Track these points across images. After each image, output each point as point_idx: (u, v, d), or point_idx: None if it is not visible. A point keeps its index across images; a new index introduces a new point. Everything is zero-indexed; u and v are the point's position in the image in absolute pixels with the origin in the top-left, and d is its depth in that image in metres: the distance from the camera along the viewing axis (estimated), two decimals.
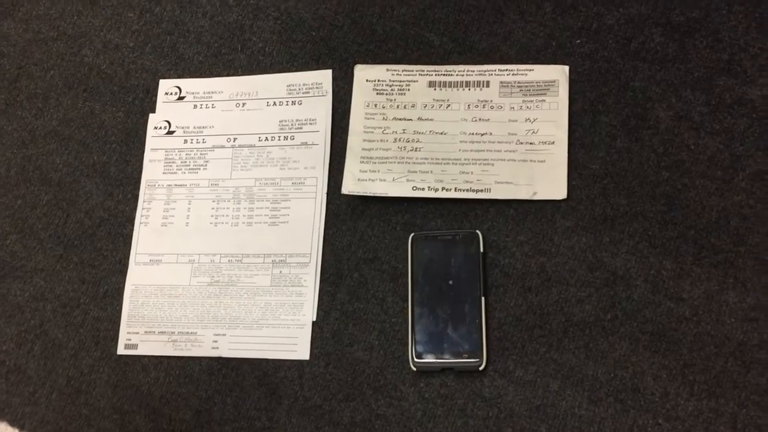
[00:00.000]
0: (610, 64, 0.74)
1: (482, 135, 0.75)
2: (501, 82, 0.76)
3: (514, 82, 0.76)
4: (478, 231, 0.71)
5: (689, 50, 0.73)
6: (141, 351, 0.75)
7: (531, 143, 0.73)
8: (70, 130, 0.83)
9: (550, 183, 0.72)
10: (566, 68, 0.75)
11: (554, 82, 0.75)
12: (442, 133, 0.75)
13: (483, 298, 0.69)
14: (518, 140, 0.74)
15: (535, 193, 0.72)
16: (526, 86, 0.75)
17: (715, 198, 0.69)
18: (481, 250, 0.71)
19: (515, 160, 0.73)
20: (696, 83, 0.72)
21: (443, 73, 0.77)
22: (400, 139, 0.76)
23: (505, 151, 0.74)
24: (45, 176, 0.82)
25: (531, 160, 0.73)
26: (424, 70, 0.78)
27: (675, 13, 0.74)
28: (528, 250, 0.71)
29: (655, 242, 0.69)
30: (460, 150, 0.74)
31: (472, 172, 0.73)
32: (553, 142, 0.73)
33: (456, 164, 0.74)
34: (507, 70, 0.76)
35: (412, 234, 0.72)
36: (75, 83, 0.84)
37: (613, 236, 0.69)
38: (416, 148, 0.75)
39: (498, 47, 0.77)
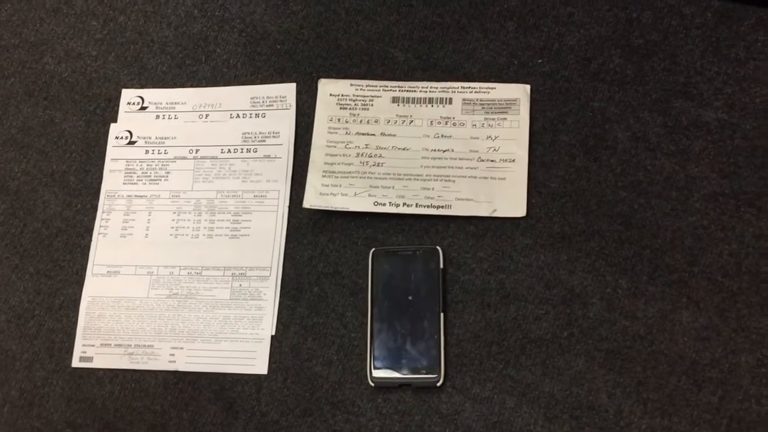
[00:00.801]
0: (571, 84, 0.75)
1: (444, 152, 0.75)
2: (464, 100, 0.76)
3: (477, 99, 0.76)
4: (438, 247, 0.71)
5: (647, 72, 0.74)
6: (96, 364, 0.74)
7: (492, 161, 0.74)
8: (30, 138, 0.82)
9: (510, 200, 0.72)
10: (528, 87, 0.76)
11: (516, 100, 0.76)
12: (404, 149, 0.76)
13: (442, 314, 0.69)
14: (479, 157, 0.74)
15: (495, 211, 0.72)
16: (488, 104, 0.76)
17: (671, 218, 0.70)
18: (441, 266, 0.71)
19: (476, 177, 0.74)
20: (653, 105, 0.73)
21: (407, 89, 0.78)
22: (362, 154, 0.76)
23: (466, 168, 0.74)
24: (2, 185, 0.81)
25: (492, 178, 0.74)
26: (387, 86, 0.78)
27: (634, 35, 0.76)
28: (487, 266, 0.71)
29: (612, 261, 0.69)
30: (422, 166, 0.75)
31: (433, 189, 0.74)
32: (513, 160, 0.74)
33: (418, 180, 0.74)
34: (470, 87, 0.77)
35: (373, 249, 0.72)
36: (35, 91, 0.83)
37: (571, 254, 0.70)
38: (378, 164, 0.75)
39: (461, 65, 0.78)
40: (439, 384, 0.68)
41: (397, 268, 0.72)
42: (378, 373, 0.69)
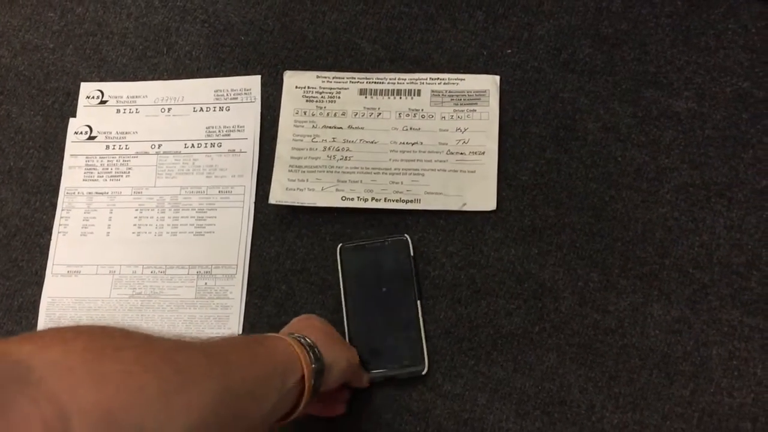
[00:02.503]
0: (540, 74, 0.74)
1: (413, 144, 0.74)
2: (432, 91, 0.75)
3: (446, 91, 0.75)
4: (406, 235, 0.70)
5: (617, 62, 0.73)
6: None
7: (461, 153, 0.73)
8: None
9: (480, 194, 0.71)
10: (497, 78, 0.75)
11: (485, 92, 0.74)
12: (372, 142, 0.74)
13: (418, 302, 0.68)
14: (449, 150, 0.73)
15: (464, 204, 0.71)
16: (458, 96, 0.75)
17: (641, 210, 0.69)
18: (411, 254, 0.69)
19: (445, 171, 0.72)
20: (623, 95, 0.72)
21: (374, 80, 0.76)
22: (329, 148, 0.74)
23: (435, 161, 0.73)
24: None
25: (461, 171, 0.72)
26: (354, 78, 0.76)
27: (604, 24, 0.75)
28: (458, 261, 0.70)
29: (583, 254, 0.69)
30: (390, 159, 0.73)
31: (402, 182, 0.72)
32: (483, 153, 0.73)
33: (386, 174, 0.73)
34: (438, 79, 0.75)
35: (341, 244, 0.71)
36: None
37: (542, 248, 0.69)
38: (346, 157, 0.74)
39: (430, 55, 0.76)
40: (424, 372, 0.67)
41: (368, 262, 0.70)
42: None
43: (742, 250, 0.67)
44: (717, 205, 0.69)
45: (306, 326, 0.62)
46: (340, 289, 0.70)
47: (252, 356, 0.52)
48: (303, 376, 0.53)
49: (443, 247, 0.71)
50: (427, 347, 0.67)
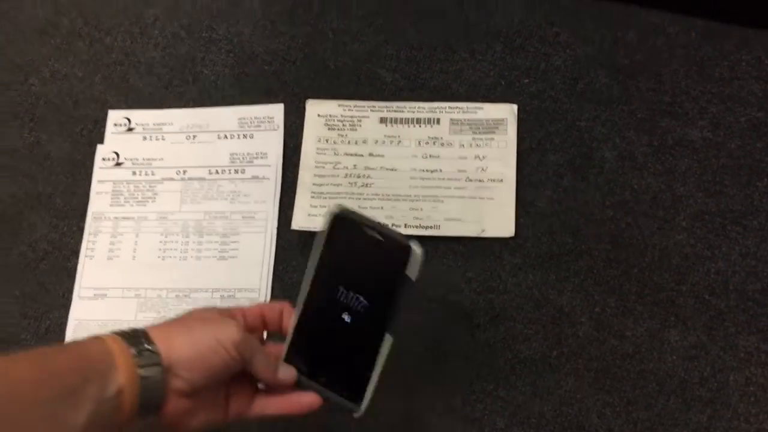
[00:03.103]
0: (558, 103, 0.76)
1: (432, 172, 0.75)
2: (451, 120, 0.77)
3: (464, 119, 0.77)
4: (412, 245, 0.54)
5: (633, 92, 0.75)
6: None
7: (480, 181, 0.74)
8: (15, 160, 0.81)
9: (499, 221, 0.73)
10: (515, 107, 0.76)
11: (503, 120, 0.76)
12: (392, 170, 0.76)
13: (387, 335, 0.55)
14: (468, 177, 0.75)
15: (483, 231, 0.72)
16: (476, 124, 0.76)
17: (658, 237, 0.70)
18: (409, 273, 0.54)
19: (464, 197, 0.74)
20: (639, 124, 0.74)
21: (394, 109, 0.78)
22: (351, 175, 0.76)
23: (454, 188, 0.74)
24: None
25: (480, 198, 0.74)
26: (375, 106, 0.78)
27: (620, 55, 0.76)
28: (476, 286, 0.71)
29: (600, 280, 0.70)
30: (410, 186, 0.75)
31: (422, 209, 0.74)
32: (501, 180, 0.74)
33: (406, 200, 0.74)
34: (457, 107, 0.77)
35: (338, 207, 0.56)
36: (21, 113, 0.83)
37: (560, 274, 0.70)
38: (367, 184, 0.75)
39: (449, 85, 0.78)
40: (357, 415, 0.55)
41: (356, 248, 0.56)
42: (291, 363, 0.56)
43: (758, 277, 0.68)
44: (732, 233, 0.70)
45: (178, 318, 0.55)
46: (311, 262, 0.56)
47: (42, 369, 0.46)
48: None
49: (462, 272, 0.72)
50: (373, 390, 0.55)
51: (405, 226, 0.73)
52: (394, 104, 0.78)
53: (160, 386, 0.50)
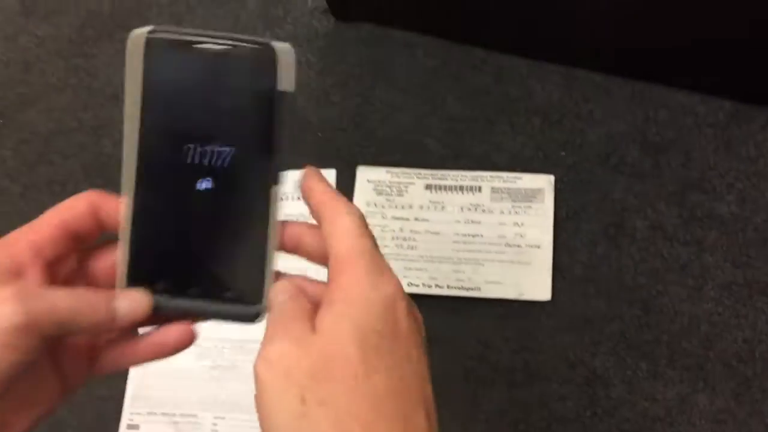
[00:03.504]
0: (592, 175, 0.81)
1: (474, 236, 0.80)
2: (492, 188, 0.82)
3: (504, 188, 0.82)
4: (273, 44, 0.37)
5: (663, 166, 0.80)
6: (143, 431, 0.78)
7: (519, 246, 0.79)
8: None
9: (536, 284, 0.77)
10: (552, 178, 0.82)
11: (541, 190, 0.81)
12: (436, 233, 0.81)
13: (273, 188, 0.38)
14: (507, 243, 0.80)
15: (521, 294, 0.77)
16: (515, 193, 0.82)
17: (687, 305, 0.74)
18: (287, 86, 0.37)
19: (504, 261, 0.79)
20: (669, 197, 0.79)
21: (439, 177, 0.84)
22: (397, 237, 0.81)
23: (494, 252, 0.79)
24: None
25: (518, 262, 0.79)
26: (421, 174, 0.84)
27: (651, 132, 0.82)
28: (513, 346, 0.76)
29: (632, 344, 0.74)
30: (453, 250, 0.80)
31: (463, 272, 0.79)
32: (539, 246, 0.79)
33: (449, 263, 0.79)
34: (498, 177, 0.83)
35: (146, 31, 0.38)
36: (93, 172, 0.90)
37: (593, 337, 0.75)
38: (412, 247, 0.81)
39: (489, 155, 0.84)
40: (258, 321, 0.38)
41: (195, 78, 0.37)
42: (137, 285, 0.39)
43: None
44: (759, 303, 0.74)
45: None
46: (127, 125, 0.40)
47: None
48: None
49: (500, 332, 0.76)
50: (272, 277, 0.39)
51: (447, 287, 0.78)
52: (439, 172, 0.84)
53: None
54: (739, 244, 0.76)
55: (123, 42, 0.98)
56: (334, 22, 0.92)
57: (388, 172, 0.85)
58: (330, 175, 0.86)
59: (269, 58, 0.37)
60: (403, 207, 0.83)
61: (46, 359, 0.38)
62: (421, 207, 0.83)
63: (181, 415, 0.78)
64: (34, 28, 0.97)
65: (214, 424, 0.77)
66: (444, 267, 0.79)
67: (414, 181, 0.84)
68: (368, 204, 0.83)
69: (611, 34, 0.80)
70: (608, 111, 0.83)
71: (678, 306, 0.75)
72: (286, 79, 0.37)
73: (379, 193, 0.84)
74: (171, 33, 0.37)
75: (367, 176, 0.85)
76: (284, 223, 0.40)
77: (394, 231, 0.82)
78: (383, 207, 0.83)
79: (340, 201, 0.38)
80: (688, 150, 0.80)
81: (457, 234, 0.81)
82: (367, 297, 0.34)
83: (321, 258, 0.38)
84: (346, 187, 0.85)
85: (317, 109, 0.89)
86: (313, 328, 0.34)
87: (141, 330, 0.40)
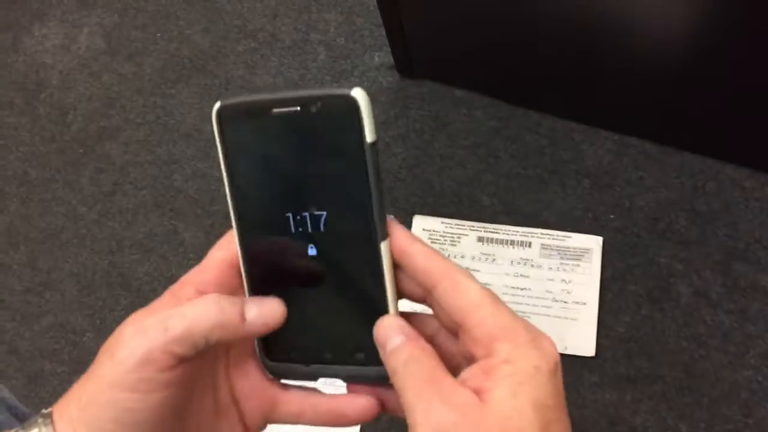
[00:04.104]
0: (639, 239, 0.84)
1: (522, 290, 0.84)
2: (542, 245, 0.86)
3: (554, 245, 0.86)
4: (356, 92, 0.34)
5: (710, 236, 0.83)
6: None
7: (565, 302, 0.83)
8: (154, 243, 0.93)
9: (581, 340, 0.80)
10: (600, 239, 0.85)
11: (589, 250, 0.85)
12: (486, 284, 0.84)
13: (383, 244, 0.35)
14: (554, 298, 0.83)
15: (566, 348, 0.80)
16: (564, 251, 0.85)
17: (728, 371, 0.77)
18: (370, 137, 0.34)
19: (550, 316, 0.82)
20: (715, 265, 0.82)
21: (491, 230, 0.87)
22: None
23: (541, 306, 0.83)
24: (126, 282, 0.91)
25: (564, 317, 0.82)
26: (474, 226, 0.88)
27: (699, 201, 0.85)
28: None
29: (672, 405, 0.76)
30: None
31: None
32: (585, 303, 0.82)
33: None
34: (548, 234, 0.86)
35: (218, 104, 0.36)
36: (163, 203, 0.95)
37: (635, 395, 0.77)
38: None
39: (541, 213, 0.88)
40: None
41: (276, 148, 0.36)
42: (275, 360, 0.39)
43: None
44: None
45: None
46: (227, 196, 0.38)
47: None
48: None
49: None
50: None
51: None
52: (491, 226, 0.88)
53: None
54: None
55: (199, 85, 1.05)
56: (398, 78, 0.98)
57: (443, 222, 0.89)
58: None
59: (352, 109, 0.34)
60: (455, 257, 0.87)
61: (229, 399, 0.39)
62: (473, 258, 0.86)
63: None
64: (118, 67, 1.05)
65: None
66: None
67: (467, 233, 0.88)
68: None
69: (663, 105, 0.85)
70: (658, 178, 0.87)
71: (719, 372, 0.77)
72: (370, 128, 0.34)
73: (434, 242, 0.88)
74: (241, 102, 0.36)
75: (422, 225, 0.89)
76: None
77: None
78: None
79: (451, 267, 0.36)
80: (734, 221, 0.83)
81: (506, 286, 0.84)
82: (538, 367, 0.33)
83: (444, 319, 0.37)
84: None
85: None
86: (475, 396, 0.33)
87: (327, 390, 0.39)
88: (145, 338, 0.34)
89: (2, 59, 1.08)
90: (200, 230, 0.93)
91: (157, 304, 0.37)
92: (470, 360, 0.34)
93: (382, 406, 0.38)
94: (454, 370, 0.34)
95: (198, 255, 0.92)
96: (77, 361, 0.88)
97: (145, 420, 0.34)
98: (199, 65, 1.03)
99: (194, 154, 0.98)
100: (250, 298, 0.37)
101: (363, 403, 0.37)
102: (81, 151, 1.00)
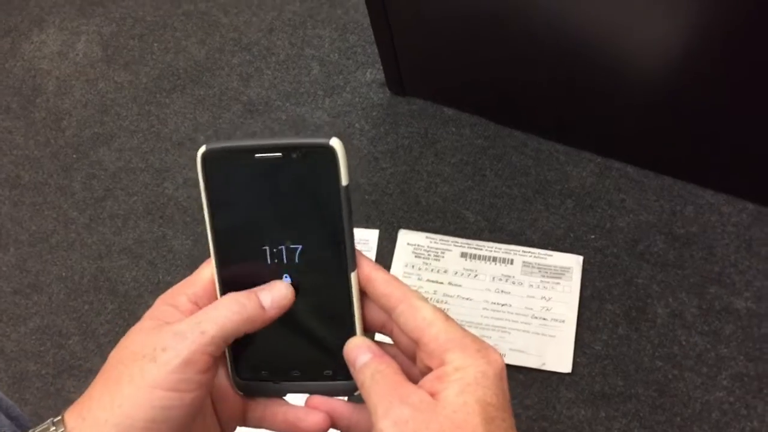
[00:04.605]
0: (618, 260, 0.86)
1: (502, 305, 0.86)
2: (524, 262, 0.88)
3: (535, 263, 0.87)
4: (331, 143, 0.39)
5: (686, 259, 0.85)
6: None
7: (544, 319, 0.84)
8: (143, 249, 0.94)
9: (558, 356, 0.82)
10: (580, 258, 0.87)
11: (569, 268, 0.87)
12: (468, 299, 0.86)
13: (353, 275, 0.40)
14: (533, 315, 0.85)
15: (543, 364, 0.82)
16: (545, 269, 0.87)
17: (700, 391, 0.78)
18: (344, 181, 0.39)
19: (529, 332, 0.84)
20: (690, 288, 0.84)
21: (474, 246, 0.89)
22: (430, 300, 0.86)
23: (521, 322, 0.84)
24: (113, 287, 0.93)
25: (543, 334, 0.83)
26: (458, 242, 0.90)
27: (677, 225, 0.87)
28: (532, 414, 0.80)
29: (645, 423, 0.78)
30: (482, 316, 0.85)
31: (490, 337, 0.84)
32: (563, 321, 0.84)
33: (477, 328, 0.84)
34: (530, 252, 0.88)
35: (203, 148, 0.40)
36: (153, 210, 0.97)
37: (609, 412, 0.79)
38: (444, 309, 0.86)
39: (524, 231, 0.90)
40: (357, 391, 0.40)
41: (257, 188, 0.40)
42: (245, 379, 0.42)
43: None
44: None
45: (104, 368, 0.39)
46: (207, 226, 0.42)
47: None
48: None
49: (521, 399, 0.81)
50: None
51: None
52: (475, 242, 0.90)
53: None
54: (754, 338, 0.80)
55: (193, 95, 1.07)
56: (389, 95, 1.00)
57: (427, 237, 0.91)
58: (373, 235, 0.92)
59: (330, 157, 0.39)
60: (438, 271, 0.88)
61: (210, 408, 0.42)
62: (456, 273, 0.88)
63: None
64: (114, 75, 1.06)
65: None
66: (472, 331, 0.83)
67: (451, 248, 0.90)
68: (406, 265, 0.89)
69: (646, 131, 0.87)
70: (638, 201, 0.89)
71: (692, 392, 0.79)
72: (345, 173, 0.39)
73: (417, 256, 0.90)
74: (225, 147, 0.40)
75: (407, 239, 0.91)
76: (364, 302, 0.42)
77: (428, 293, 0.87)
78: (420, 269, 0.89)
79: (407, 292, 0.41)
80: (710, 245, 0.85)
81: (487, 302, 0.86)
82: (484, 372, 0.37)
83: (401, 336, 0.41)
84: (386, 247, 0.91)
85: (367, 173, 0.96)
86: (428, 395, 0.37)
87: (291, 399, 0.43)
88: (186, 341, 0.37)
89: (0, 64, 1.10)
90: (189, 238, 0.95)
91: (156, 313, 0.40)
92: (426, 374, 0.39)
93: (334, 423, 0.42)
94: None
95: (185, 262, 0.94)
96: (62, 363, 0.89)
97: (176, 417, 0.37)
98: (194, 76, 1.05)
99: (186, 163, 1.00)
100: (258, 287, 0.40)
101: (316, 418, 0.41)
102: (74, 156, 1.01)
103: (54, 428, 0.38)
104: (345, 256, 0.40)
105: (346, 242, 0.40)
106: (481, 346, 0.39)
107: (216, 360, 0.39)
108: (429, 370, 0.39)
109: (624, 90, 0.84)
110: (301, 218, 0.40)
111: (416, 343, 0.39)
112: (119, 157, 1.01)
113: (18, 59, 1.10)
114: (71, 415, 0.38)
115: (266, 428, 0.43)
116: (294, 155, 0.39)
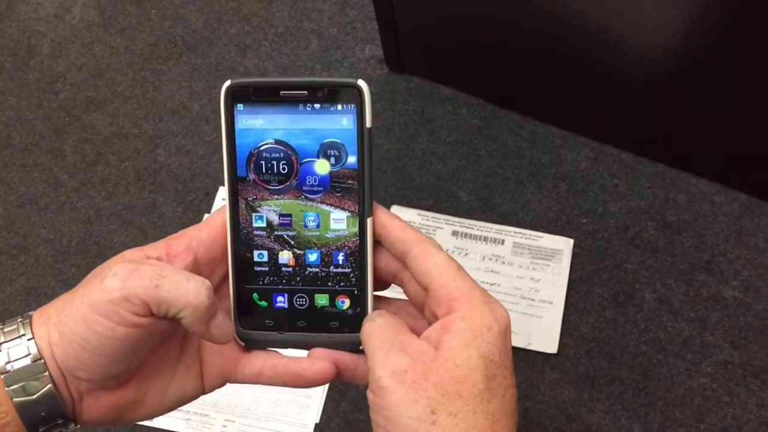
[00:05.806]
0: (609, 244, 0.86)
1: (492, 285, 0.86)
2: (514, 243, 0.88)
3: (526, 244, 0.87)
4: (360, 82, 0.40)
5: (677, 245, 0.85)
6: (156, 423, 0.82)
7: (532, 299, 0.84)
8: (132, 215, 0.94)
9: (544, 337, 0.82)
10: (571, 241, 0.87)
11: (560, 251, 0.87)
12: None
13: (369, 220, 0.40)
14: (522, 295, 0.85)
15: (529, 344, 0.82)
16: (535, 250, 0.87)
17: (684, 377, 0.79)
18: (368, 122, 0.40)
19: (517, 312, 0.84)
20: (679, 275, 0.84)
21: (466, 225, 0.89)
22: None
23: (509, 302, 0.84)
24: (101, 252, 0.92)
25: (530, 314, 0.84)
26: (449, 220, 0.90)
27: (669, 212, 0.87)
28: (517, 393, 0.80)
29: (628, 406, 0.78)
30: None
31: None
32: (551, 302, 0.84)
33: None
34: (521, 233, 0.88)
35: (228, 82, 0.41)
36: (145, 176, 0.96)
37: (593, 394, 0.79)
38: None
39: (516, 212, 0.90)
40: (362, 347, 0.40)
41: (279, 126, 0.40)
42: (249, 328, 0.42)
43: None
44: (751, 385, 0.78)
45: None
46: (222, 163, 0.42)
47: None
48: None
49: None
50: (372, 302, 0.42)
51: None
52: (466, 221, 0.89)
53: (52, 401, 0.38)
54: (739, 327, 0.81)
55: (190, 63, 1.06)
56: (387, 72, 0.99)
57: (419, 214, 0.91)
58: None
59: (356, 98, 0.39)
60: None
61: (194, 353, 0.42)
62: (446, 251, 0.88)
63: (194, 413, 0.83)
64: (110, 39, 1.05)
65: (224, 426, 0.82)
66: None
67: (442, 226, 0.90)
68: None
69: (642, 118, 0.87)
70: (631, 187, 0.89)
71: (675, 377, 0.79)
72: (370, 115, 0.40)
73: None
74: (250, 82, 0.39)
75: (399, 215, 0.90)
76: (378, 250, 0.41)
77: None
78: None
79: (423, 237, 0.41)
80: (701, 234, 0.86)
81: (477, 280, 0.86)
82: (490, 327, 0.37)
83: (413, 285, 0.41)
84: None
85: None
86: (431, 346, 0.36)
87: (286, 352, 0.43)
88: (136, 281, 0.37)
89: None
90: (179, 205, 0.94)
91: (150, 249, 0.42)
92: (433, 323, 0.39)
93: (338, 373, 0.42)
94: None
95: (175, 229, 0.92)
96: None
97: (109, 347, 0.38)
98: (191, 44, 1.04)
99: (179, 131, 0.99)
100: (222, 312, 0.39)
101: (321, 366, 0.41)
102: (67, 119, 1.00)
103: (21, 319, 0.40)
104: (363, 201, 0.40)
105: (366, 186, 0.40)
106: (488, 299, 0.39)
107: (157, 317, 0.38)
108: (435, 319, 0.38)
109: (622, 75, 0.84)
110: (321, 159, 0.40)
111: (426, 289, 0.39)
112: (112, 122, 1.00)
113: (13, 20, 1.08)
114: (39, 312, 0.40)
115: (263, 383, 0.43)
116: (319, 94, 0.39)
